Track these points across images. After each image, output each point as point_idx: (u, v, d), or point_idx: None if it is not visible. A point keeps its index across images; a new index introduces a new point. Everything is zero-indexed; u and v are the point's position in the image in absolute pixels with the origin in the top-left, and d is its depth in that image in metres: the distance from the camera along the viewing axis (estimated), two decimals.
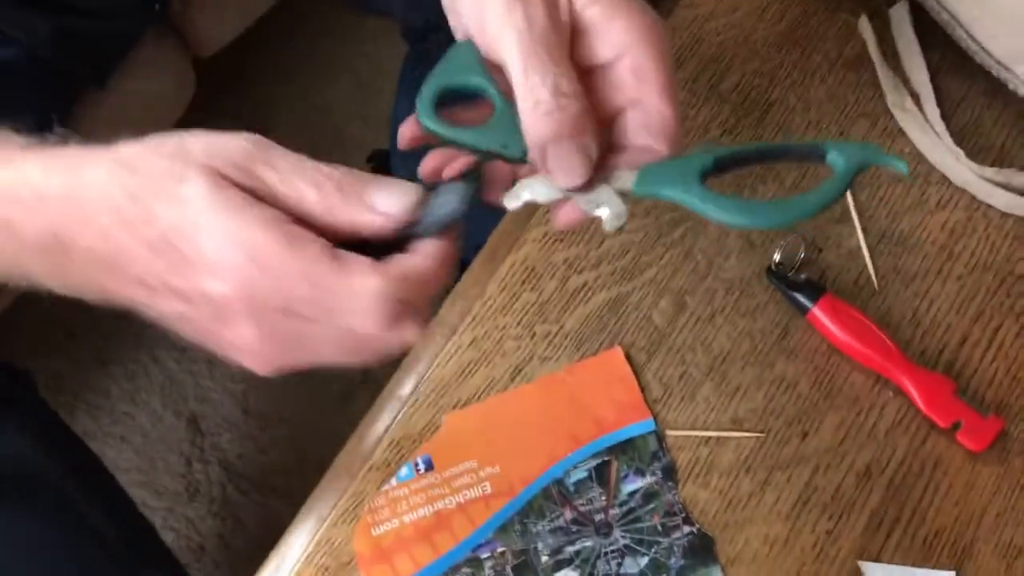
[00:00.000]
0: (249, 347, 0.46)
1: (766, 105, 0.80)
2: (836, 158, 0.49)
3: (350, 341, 0.46)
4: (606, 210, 0.51)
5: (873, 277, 0.74)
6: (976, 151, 0.78)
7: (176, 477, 1.47)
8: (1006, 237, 0.75)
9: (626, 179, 0.51)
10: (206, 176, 0.44)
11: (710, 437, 0.70)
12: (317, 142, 1.60)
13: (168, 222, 0.44)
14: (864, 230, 0.75)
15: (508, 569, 0.66)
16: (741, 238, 0.75)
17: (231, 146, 0.45)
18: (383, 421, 0.70)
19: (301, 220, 0.45)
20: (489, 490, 0.68)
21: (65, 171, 0.47)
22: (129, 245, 0.45)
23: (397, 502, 0.68)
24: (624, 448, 0.69)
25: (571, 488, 0.68)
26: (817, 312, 0.71)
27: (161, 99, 1.19)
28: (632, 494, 0.68)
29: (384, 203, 0.46)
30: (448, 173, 0.53)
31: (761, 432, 0.70)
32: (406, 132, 0.54)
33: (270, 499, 1.45)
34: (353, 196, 0.45)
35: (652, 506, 0.68)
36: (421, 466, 0.69)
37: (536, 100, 0.48)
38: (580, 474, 0.69)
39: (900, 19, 0.81)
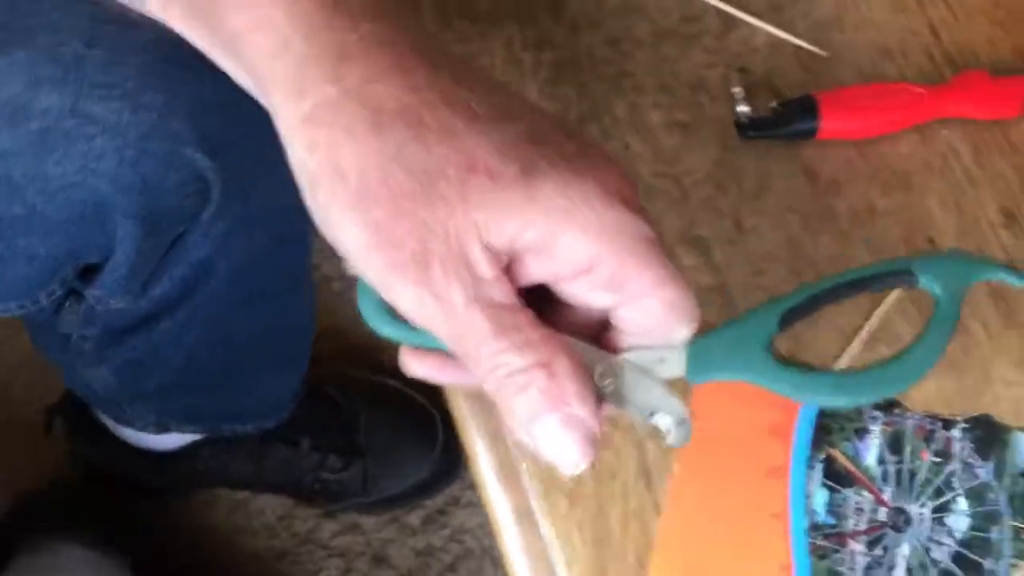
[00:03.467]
0: None
1: (580, 80, 0.60)
2: (931, 283, 0.42)
3: None
4: (666, 418, 0.39)
5: (809, 46, 0.59)
6: None
7: None
8: None
9: (673, 363, 0.39)
10: None
11: None
12: None
13: None
14: (753, 15, 0.60)
15: None
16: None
17: None
18: None
19: None
20: None
21: None
22: None
23: None
24: None
25: None
26: (824, 123, 0.56)
27: None
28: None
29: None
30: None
31: None
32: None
33: None
34: None
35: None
36: None
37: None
38: None
39: None
